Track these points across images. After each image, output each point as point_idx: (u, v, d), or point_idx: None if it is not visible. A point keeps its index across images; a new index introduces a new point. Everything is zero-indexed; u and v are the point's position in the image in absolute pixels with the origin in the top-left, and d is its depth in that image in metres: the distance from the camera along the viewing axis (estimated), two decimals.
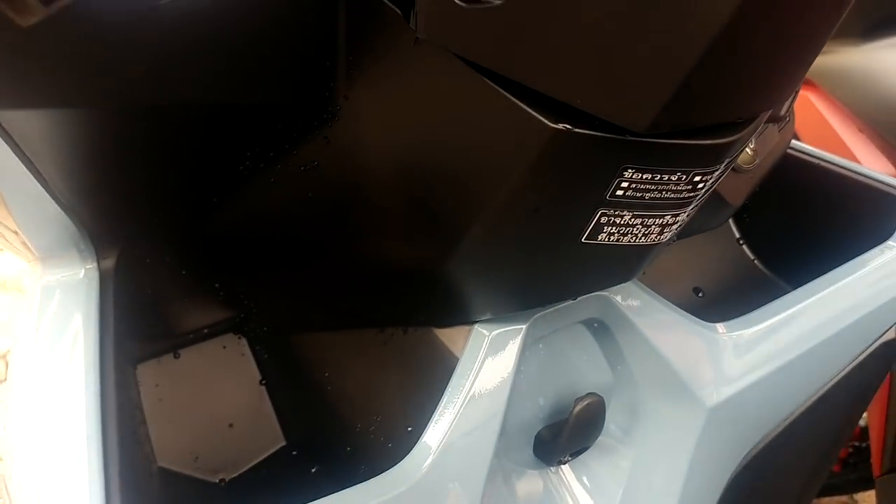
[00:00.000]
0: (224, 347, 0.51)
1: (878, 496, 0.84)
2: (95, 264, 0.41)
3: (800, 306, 0.48)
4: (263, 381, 0.51)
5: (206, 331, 0.50)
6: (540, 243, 0.32)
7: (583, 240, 0.31)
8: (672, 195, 0.30)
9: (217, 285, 0.47)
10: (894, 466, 0.84)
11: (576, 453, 0.44)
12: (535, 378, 0.43)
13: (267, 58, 0.31)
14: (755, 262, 0.57)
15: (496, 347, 0.39)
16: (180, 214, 0.41)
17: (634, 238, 0.32)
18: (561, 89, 0.26)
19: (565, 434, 0.42)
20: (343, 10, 0.30)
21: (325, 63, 0.31)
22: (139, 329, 0.47)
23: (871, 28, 0.79)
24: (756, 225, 0.56)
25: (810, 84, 0.85)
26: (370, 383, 0.45)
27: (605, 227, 0.31)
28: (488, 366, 0.39)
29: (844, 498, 1.22)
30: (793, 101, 0.47)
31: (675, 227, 0.33)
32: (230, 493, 0.49)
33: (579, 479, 0.45)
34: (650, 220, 0.31)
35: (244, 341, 0.51)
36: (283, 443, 0.50)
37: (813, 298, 0.48)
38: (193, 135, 0.35)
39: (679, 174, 0.29)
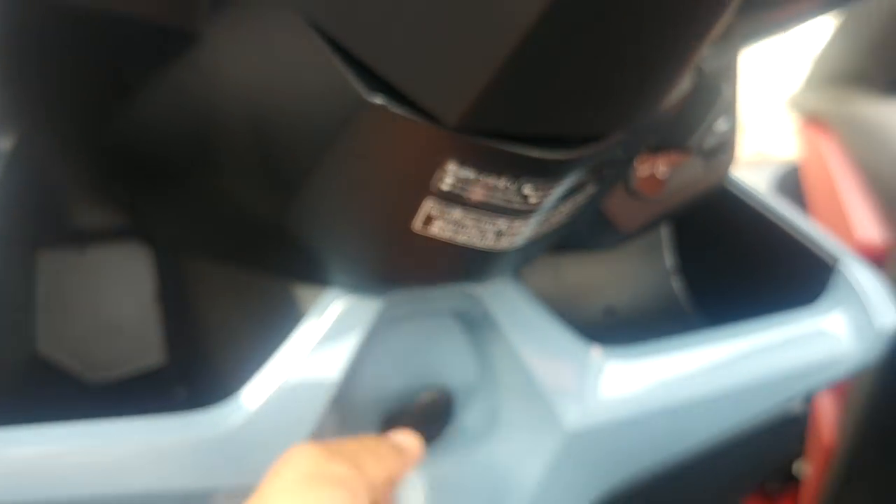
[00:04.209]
0: (130, 254, 0.51)
1: None
2: None
3: (698, 351, 0.45)
4: (159, 296, 0.51)
5: (114, 232, 0.50)
6: (371, 221, 0.31)
7: (415, 228, 0.30)
8: (501, 202, 0.29)
9: (121, 189, 0.47)
10: None
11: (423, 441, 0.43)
12: (393, 358, 0.42)
13: None
14: (680, 295, 0.54)
15: (344, 315, 0.38)
16: (78, 111, 0.40)
17: (469, 238, 0.31)
18: (378, 61, 0.25)
19: (406, 420, 0.41)
20: None
21: None
22: (45, 213, 0.48)
23: (893, 84, 0.74)
24: (690, 259, 0.54)
25: (826, 129, 0.81)
26: (235, 324, 0.45)
27: (436, 220, 0.30)
28: (330, 332, 0.38)
29: None
30: (731, 138, 0.44)
31: (513, 236, 0.31)
32: (98, 394, 0.49)
33: (422, 471, 0.44)
34: (483, 223, 0.30)
35: (150, 253, 0.51)
36: (162, 359, 0.50)
37: (715, 346, 0.46)
38: (76, 39, 0.34)
39: (505, 181, 0.28)
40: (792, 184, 0.85)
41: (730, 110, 0.42)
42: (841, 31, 0.80)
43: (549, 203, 0.30)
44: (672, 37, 0.24)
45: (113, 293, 0.50)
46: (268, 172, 0.32)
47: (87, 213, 0.48)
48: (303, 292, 0.41)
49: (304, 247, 0.35)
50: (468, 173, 0.27)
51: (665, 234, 0.54)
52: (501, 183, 0.28)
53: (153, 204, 0.45)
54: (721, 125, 0.41)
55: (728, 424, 0.47)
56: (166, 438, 0.35)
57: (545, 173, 0.27)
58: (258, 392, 0.37)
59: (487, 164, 0.27)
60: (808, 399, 0.49)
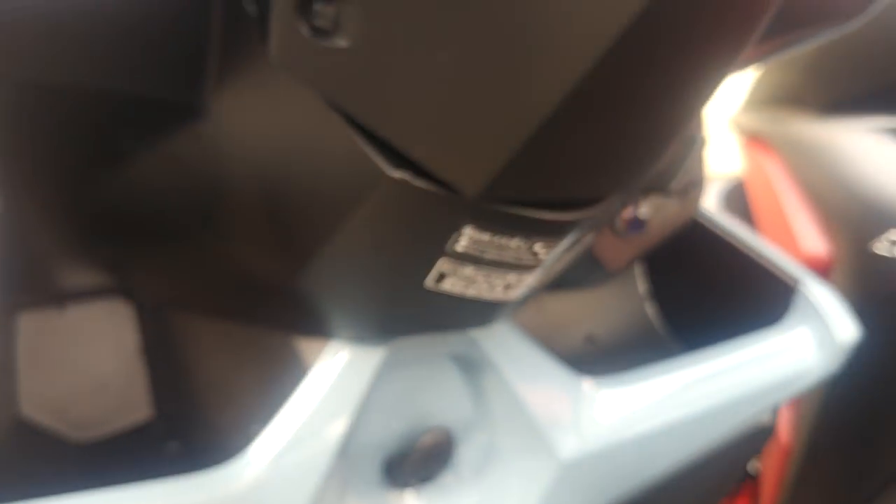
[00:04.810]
0: (111, 310, 0.51)
1: None
2: None
3: (678, 375, 0.48)
4: (143, 350, 0.51)
5: (94, 291, 0.50)
6: (384, 281, 0.32)
7: (427, 285, 0.32)
8: (513, 259, 0.30)
9: (107, 251, 0.47)
10: None
11: (422, 479, 0.44)
12: (394, 402, 0.43)
13: (136, 46, 0.30)
14: (654, 320, 0.57)
15: (349, 366, 0.39)
16: (67, 180, 0.40)
17: (479, 291, 0.32)
18: (401, 139, 0.26)
19: (409, 462, 0.42)
20: (218, 10, 0.30)
21: (197, 58, 0.31)
22: (25, 276, 0.47)
23: (831, 105, 0.79)
24: (662, 286, 0.57)
25: (768, 147, 0.86)
26: (233, 377, 0.45)
27: (449, 277, 0.31)
28: (337, 384, 0.39)
29: None
30: (701, 176, 0.47)
31: (520, 288, 0.33)
32: (87, 453, 0.49)
33: None
34: (493, 278, 0.31)
35: (131, 308, 0.51)
36: (150, 414, 0.50)
37: (693, 369, 0.48)
38: (70, 113, 0.34)
39: (518, 241, 0.29)
40: (738, 199, 0.89)
41: (699, 153, 0.45)
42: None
43: (555, 256, 0.32)
44: (681, 108, 0.27)
45: (95, 350, 0.50)
46: (277, 240, 0.33)
47: (68, 272, 0.48)
48: (304, 344, 0.41)
49: (311, 305, 0.36)
50: (484, 236, 0.29)
51: (638, 263, 0.57)
52: (514, 243, 0.29)
53: (141, 265, 0.45)
54: (693, 166, 0.44)
55: (707, 439, 0.50)
56: (179, 502, 0.36)
57: (556, 232, 0.29)
58: (267, 448, 0.38)
59: (503, 227, 0.29)
60: (775, 410, 0.53)
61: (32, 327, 0.48)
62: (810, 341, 0.49)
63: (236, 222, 0.34)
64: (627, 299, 0.57)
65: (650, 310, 0.57)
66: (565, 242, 0.31)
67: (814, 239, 0.77)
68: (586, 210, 0.29)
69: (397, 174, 0.27)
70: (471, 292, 0.32)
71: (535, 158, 0.25)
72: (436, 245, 0.29)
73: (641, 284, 0.57)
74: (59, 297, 0.49)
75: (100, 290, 0.50)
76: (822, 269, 0.75)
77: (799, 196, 0.80)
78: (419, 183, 0.27)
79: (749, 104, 0.92)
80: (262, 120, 0.30)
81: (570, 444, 0.44)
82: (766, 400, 0.50)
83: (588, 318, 0.56)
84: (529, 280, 0.33)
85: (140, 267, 0.45)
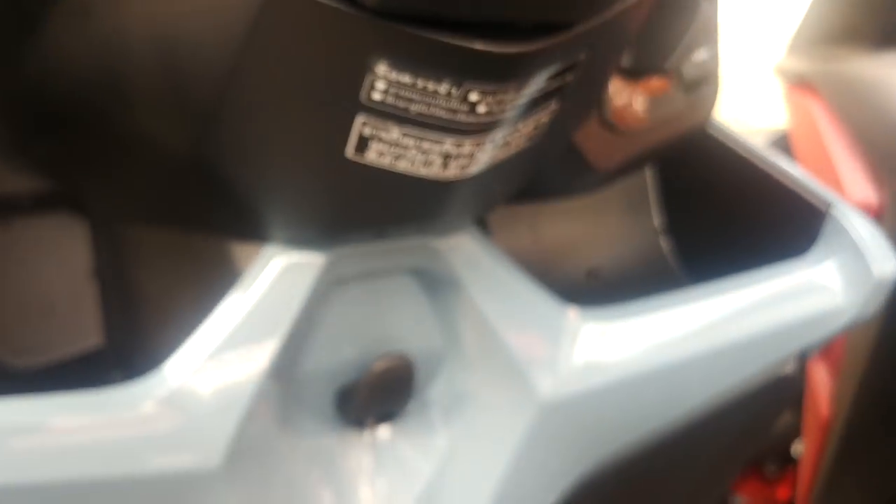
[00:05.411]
0: (61, 227, 0.47)
1: None
2: None
3: (683, 309, 0.41)
4: (94, 272, 0.46)
5: (42, 203, 0.46)
6: (299, 148, 0.27)
7: (349, 154, 0.26)
8: (445, 113, 0.25)
9: (43, 150, 0.42)
10: None
11: (381, 417, 0.39)
12: (344, 324, 0.38)
13: None
14: (667, 255, 0.50)
15: (284, 273, 0.34)
16: None
17: (412, 164, 0.27)
18: None
19: (360, 393, 0.37)
20: None
21: None
22: None
23: (886, 36, 0.70)
24: (675, 215, 0.50)
25: (814, 92, 0.78)
26: (175, 296, 0.41)
27: (373, 143, 0.26)
28: (269, 293, 0.33)
29: None
30: (713, 70, 0.40)
31: (462, 161, 0.27)
32: (27, 381, 0.45)
33: (385, 449, 0.40)
34: (426, 143, 0.26)
35: (84, 224, 0.47)
36: (97, 340, 0.46)
37: (701, 303, 0.42)
38: None
39: (447, 85, 0.24)
40: (782, 152, 0.82)
41: (710, 38, 0.38)
42: None
43: (504, 118, 0.26)
44: None
45: (43, 269, 0.46)
46: (179, 100, 0.28)
47: (8, 182, 0.44)
48: (240, 252, 0.36)
49: (235, 192, 0.31)
50: (403, 77, 0.23)
51: (651, 189, 0.50)
52: (443, 88, 0.24)
53: (76, 164, 0.41)
54: (701, 54, 0.38)
55: (718, 388, 0.43)
56: (75, 419, 0.31)
57: (494, 74, 0.23)
58: (184, 364, 0.33)
59: (424, 62, 0.23)
60: (804, 358, 0.46)
61: None
62: (843, 275, 0.42)
63: (135, 84, 0.29)
64: (638, 230, 0.50)
65: (664, 244, 0.50)
66: (511, 96, 0.25)
67: (861, 185, 0.69)
68: (529, 43, 0.23)
69: None
70: (402, 165, 0.27)
71: None
72: (347, 92, 0.24)
73: (655, 215, 0.50)
74: (2, 211, 0.45)
75: (48, 203, 0.45)
76: (871, 217, 0.67)
77: (845, 141, 0.72)
78: None
79: (794, 47, 0.84)
80: None
81: (550, 383, 0.38)
82: (790, 344, 0.43)
83: (591, 250, 0.49)
84: (476, 152, 0.27)
85: (74, 166, 0.41)
